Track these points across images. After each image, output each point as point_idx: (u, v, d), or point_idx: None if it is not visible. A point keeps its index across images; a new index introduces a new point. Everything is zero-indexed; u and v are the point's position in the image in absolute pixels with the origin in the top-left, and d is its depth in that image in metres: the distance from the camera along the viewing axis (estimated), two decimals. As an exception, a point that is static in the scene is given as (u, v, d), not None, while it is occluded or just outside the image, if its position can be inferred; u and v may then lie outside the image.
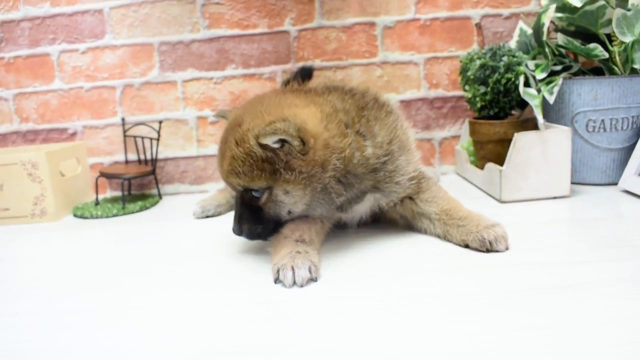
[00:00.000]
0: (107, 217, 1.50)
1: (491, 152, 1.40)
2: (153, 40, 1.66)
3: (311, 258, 0.92)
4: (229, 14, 1.64)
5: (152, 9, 1.64)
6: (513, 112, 1.43)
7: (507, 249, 0.98)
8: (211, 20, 1.64)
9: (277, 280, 0.90)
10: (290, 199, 0.97)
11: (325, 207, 1.01)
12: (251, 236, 1.03)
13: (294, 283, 0.88)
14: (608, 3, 1.35)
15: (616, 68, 1.37)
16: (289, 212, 1.00)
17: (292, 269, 0.88)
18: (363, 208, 1.09)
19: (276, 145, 0.92)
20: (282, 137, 0.90)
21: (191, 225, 1.35)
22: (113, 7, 1.65)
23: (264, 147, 0.92)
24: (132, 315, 0.83)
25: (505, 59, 1.33)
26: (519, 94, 1.33)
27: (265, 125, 0.90)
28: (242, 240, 1.19)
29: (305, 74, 1.26)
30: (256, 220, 1.00)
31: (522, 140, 1.27)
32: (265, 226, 1.01)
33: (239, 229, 1.02)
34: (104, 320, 0.82)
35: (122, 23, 1.65)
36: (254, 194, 0.98)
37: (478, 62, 1.35)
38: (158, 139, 1.65)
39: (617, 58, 1.36)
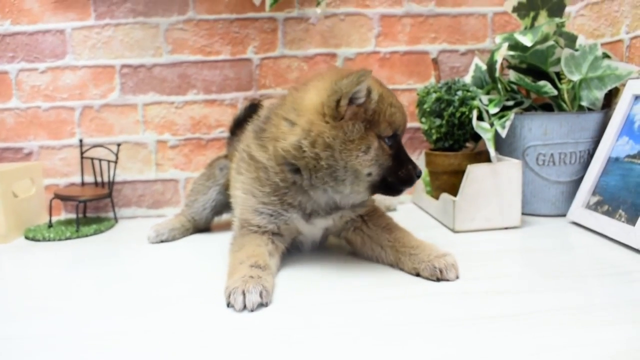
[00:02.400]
0: (59, 239, 1.47)
1: (446, 182, 1.44)
2: (115, 62, 1.66)
3: (263, 283, 0.92)
4: (192, 40, 1.65)
5: (115, 31, 1.64)
6: (467, 144, 1.48)
7: (457, 277, 1.00)
8: (174, 45, 1.65)
9: (229, 305, 0.90)
10: None
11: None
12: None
13: (245, 307, 0.88)
14: (557, 43, 1.42)
15: (565, 105, 1.43)
16: None
17: (243, 293, 0.89)
18: (325, 224, 1.12)
19: None
20: None
21: (145, 249, 1.34)
22: (75, 28, 1.64)
23: None
24: (82, 339, 0.82)
25: (459, 93, 1.38)
26: (472, 127, 1.37)
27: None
28: (195, 264, 1.20)
29: (253, 109, 1.43)
30: None
31: (474, 172, 1.31)
32: None
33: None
34: (52, 345, 0.80)
35: (84, 44, 1.65)
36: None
37: (434, 96, 1.39)
38: (116, 162, 1.63)
39: (566, 95, 1.42)
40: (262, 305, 0.90)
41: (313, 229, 1.13)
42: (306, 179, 1.04)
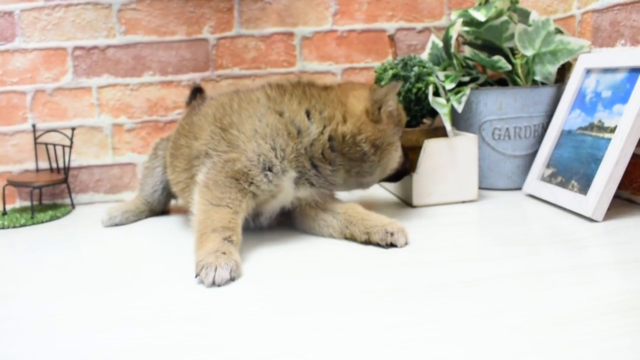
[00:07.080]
0: (14, 227, 1.43)
1: (404, 159, 1.45)
2: (67, 44, 1.61)
3: (235, 258, 0.93)
4: (146, 20, 1.62)
5: (66, 12, 1.60)
6: (425, 120, 1.49)
7: (406, 243, 1.05)
8: (127, 26, 1.62)
9: (197, 276, 0.91)
10: None
11: None
12: None
13: (214, 283, 0.89)
14: (511, 19, 1.43)
15: (519, 79, 1.45)
16: None
17: (216, 269, 0.90)
18: (306, 193, 1.14)
19: None
20: None
21: (102, 233, 1.31)
22: (24, 9, 1.59)
23: None
24: (42, 320, 0.81)
25: (415, 69, 1.39)
26: (429, 103, 1.38)
27: None
28: (153, 246, 1.19)
29: (197, 91, 1.51)
30: None
31: (431, 147, 1.32)
32: None
33: None
34: (14, 327, 0.79)
35: (33, 26, 1.60)
36: None
37: (390, 72, 1.40)
38: (71, 147, 1.60)
39: (520, 70, 1.44)
40: (230, 280, 0.91)
41: (288, 196, 1.14)
42: (338, 161, 1.13)
